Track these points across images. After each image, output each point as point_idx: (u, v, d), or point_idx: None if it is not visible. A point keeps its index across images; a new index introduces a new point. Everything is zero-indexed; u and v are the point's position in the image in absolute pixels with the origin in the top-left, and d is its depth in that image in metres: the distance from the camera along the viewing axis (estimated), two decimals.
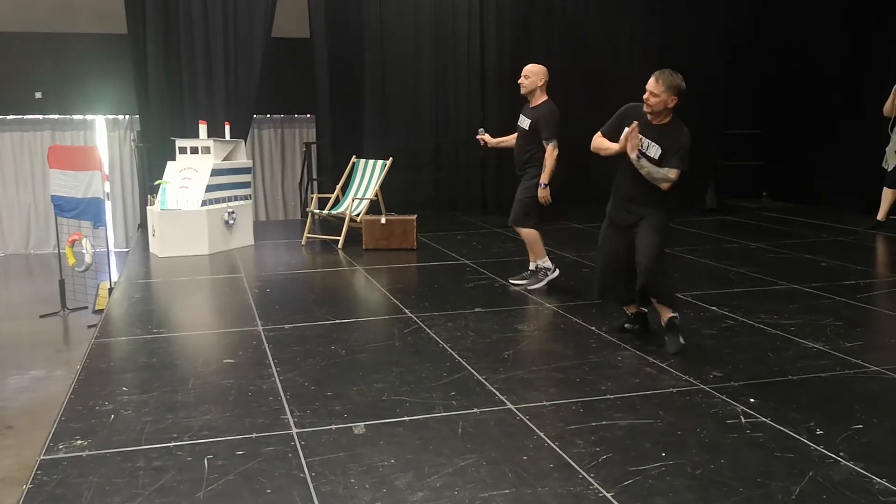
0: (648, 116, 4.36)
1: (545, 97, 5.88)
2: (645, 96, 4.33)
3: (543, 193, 5.75)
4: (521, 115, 5.99)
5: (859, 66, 9.79)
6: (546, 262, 6.08)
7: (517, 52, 10.06)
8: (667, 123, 4.38)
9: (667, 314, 4.50)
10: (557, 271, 6.10)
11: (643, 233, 4.41)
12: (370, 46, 10.09)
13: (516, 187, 6.03)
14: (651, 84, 4.30)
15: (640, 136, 4.31)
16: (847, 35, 10.00)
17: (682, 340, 4.45)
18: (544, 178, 5.72)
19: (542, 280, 6.06)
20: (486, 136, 6.34)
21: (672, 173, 4.30)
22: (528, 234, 6.02)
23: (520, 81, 5.96)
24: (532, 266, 6.15)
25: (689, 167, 4.32)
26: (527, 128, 5.87)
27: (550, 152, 5.70)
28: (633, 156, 4.30)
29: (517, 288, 6.09)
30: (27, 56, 11.32)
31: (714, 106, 10.76)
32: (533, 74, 5.92)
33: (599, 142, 4.56)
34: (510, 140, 6.16)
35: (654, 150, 4.34)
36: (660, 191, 4.37)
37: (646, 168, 4.31)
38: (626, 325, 4.86)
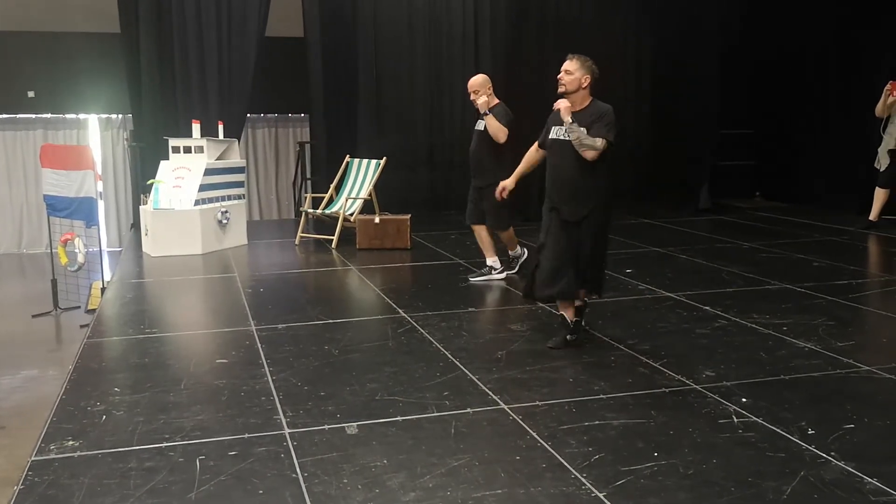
0: (567, 101, 4.36)
1: (496, 100, 6.02)
2: (559, 76, 4.37)
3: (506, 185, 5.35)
4: (478, 120, 6.11)
5: (852, 67, 9.81)
6: (518, 251, 6.47)
7: (511, 51, 10.08)
8: (586, 107, 4.37)
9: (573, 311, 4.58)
10: (526, 252, 6.40)
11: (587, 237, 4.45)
12: (364, 46, 10.08)
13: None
14: (566, 64, 4.36)
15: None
16: (839, 35, 10.03)
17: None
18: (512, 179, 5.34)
19: (514, 268, 6.44)
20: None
21: (599, 142, 4.24)
22: (508, 234, 6.34)
23: (472, 99, 6.07)
24: (491, 262, 6.37)
25: (614, 140, 4.29)
26: (482, 129, 5.99)
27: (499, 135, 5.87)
28: (567, 119, 4.28)
29: (476, 281, 6.34)
30: (20, 55, 11.29)
31: (707, 106, 10.78)
32: (479, 86, 6.02)
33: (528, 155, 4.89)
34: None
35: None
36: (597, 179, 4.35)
37: (576, 133, 4.26)
38: (568, 338, 4.60)
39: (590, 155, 4.26)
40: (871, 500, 2.79)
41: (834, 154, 10.07)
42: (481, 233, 6.36)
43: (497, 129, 5.87)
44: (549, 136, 4.52)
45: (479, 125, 6.07)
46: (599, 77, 4.43)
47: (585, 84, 4.34)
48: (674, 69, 10.81)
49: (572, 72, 4.33)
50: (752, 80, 11.09)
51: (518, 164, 5.13)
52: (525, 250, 6.46)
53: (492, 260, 6.38)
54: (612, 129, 4.30)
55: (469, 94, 6.12)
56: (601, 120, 4.29)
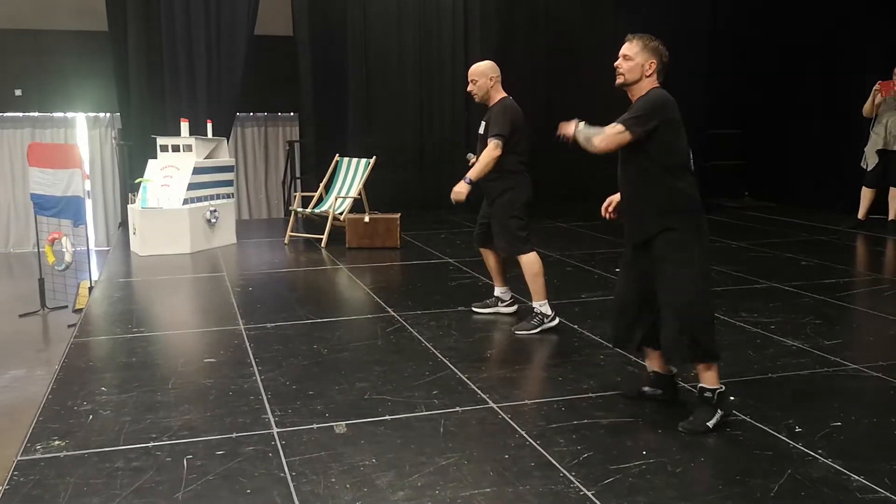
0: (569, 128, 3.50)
1: (501, 94, 4.94)
2: (616, 63, 3.48)
3: (461, 189, 4.68)
4: (482, 122, 5.02)
5: (840, 66, 9.86)
6: (545, 308, 4.88)
7: (502, 50, 10.07)
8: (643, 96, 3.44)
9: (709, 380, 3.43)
10: (557, 320, 4.94)
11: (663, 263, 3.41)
12: (354, 44, 10.06)
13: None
14: (625, 47, 3.47)
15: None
16: (828, 35, 10.07)
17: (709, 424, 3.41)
18: (472, 174, 4.71)
19: (536, 327, 4.86)
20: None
21: (609, 127, 3.35)
22: (529, 260, 4.86)
23: (469, 89, 5.02)
24: (500, 292, 5.27)
25: (640, 129, 3.32)
26: (482, 132, 4.91)
27: (492, 150, 4.68)
28: (569, 130, 3.47)
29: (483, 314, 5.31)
30: (7, 53, 11.21)
31: (696, 105, 10.81)
32: (480, 76, 4.93)
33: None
34: None
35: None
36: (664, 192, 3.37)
37: (581, 133, 3.42)
38: (646, 390, 3.75)
39: (597, 142, 3.34)
40: (858, 498, 2.81)
41: (822, 154, 10.12)
42: (489, 258, 5.21)
43: (488, 155, 4.69)
44: None
45: (481, 128, 4.97)
46: (669, 62, 3.51)
47: (651, 71, 3.43)
48: (662, 67, 10.82)
49: (632, 57, 3.42)
50: (741, 80, 11.13)
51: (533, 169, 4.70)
52: (557, 319, 4.93)
53: (501, 290, 5.26)
54: (639, 117, 3.32)
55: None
56: (632, 112, 3.37)
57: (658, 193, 3.40)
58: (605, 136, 3.34)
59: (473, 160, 4.95)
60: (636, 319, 3.56)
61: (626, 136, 3.33)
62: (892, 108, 8.47)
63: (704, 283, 3.44)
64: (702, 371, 3.41)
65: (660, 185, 3.39)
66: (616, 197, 3.71)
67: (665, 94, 3.43)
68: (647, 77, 3.44)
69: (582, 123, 3.45)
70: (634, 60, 3.43)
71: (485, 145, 4.79)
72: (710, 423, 3.36)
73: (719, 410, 3.39)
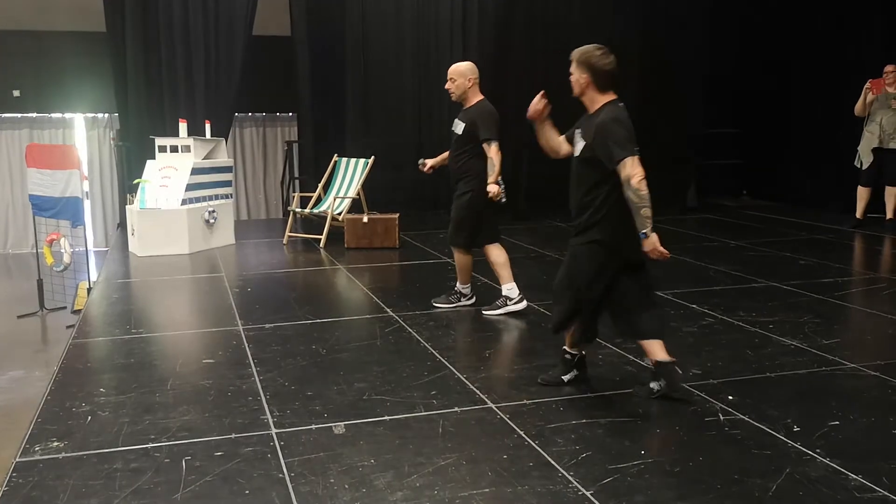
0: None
1: (480, 96, 5.19)
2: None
3: (495, 190, 4.95)
4: (455, 121, 5.30)
5: (838, 66, 9.86)
6: (467, 288, 5.51)
7: (500, 49, 10.09)
8: (596, 112, 3.63)
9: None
10: (474, 298, 5.52)
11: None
12: (352, 44, 10.06)
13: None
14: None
15: (578, 128, 3.72)
16: (825, 34, 10.08)
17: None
18: (493, 177, 4.96)
19: (453, 304, 5.49)
20: (426, 162, 5.68)
21: (628, 169, 3.46)
22: (462, 256, 5.40)
23: (447, 87, 5.22)
24: (462, 288, 5.53)
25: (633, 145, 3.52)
26: (460, 132, 5.14)
27: (495, 153, 4.98)
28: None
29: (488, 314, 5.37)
30: (5, 54, 11.20)
31: (694, 105, 10.84)
32: (459, 75, 5.15)
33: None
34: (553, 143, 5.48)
35: (578, 147, 3.69)
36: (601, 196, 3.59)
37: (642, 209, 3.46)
38: (565, 378, 3.98)
39: (644, 188, 3.44)
40: (856, 497, 2.81)
41: (820, 153, 10.13)
42: (490, 254, 5.35)
43: (496, 157, 4.98)
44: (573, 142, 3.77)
45: (455, 125, 5.24)
46: (611, 69, 3.60)
47: (585, 83, 3.60)
48: (661, 67, 10.84)
49: (572, 72, 3.64)
50: (739, 79, 11.14)
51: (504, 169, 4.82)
52: (474, 297, 5.51)
53: (508, 287, 5.33)
54: (628, 139, 3.49)
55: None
56: (605, 135, 3.50)
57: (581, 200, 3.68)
58: (638, 176, 3.44)
59: (428, 167, 5.61)
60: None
61: (637, 158, 3.48)
62: (884, 105, 8.48)
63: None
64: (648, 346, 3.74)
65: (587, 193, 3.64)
66: None
67: (623, 112, 3.60)
68: (589, 89, 3.62)
69: (644, 226, 3.44)
70: (574, 76, 3.65)
71: (460, 143, 5.13)
72: (655, 386, 3.72)
73: (663, 379, 3.70)
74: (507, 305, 5.29)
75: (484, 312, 5.32)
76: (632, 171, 3.43)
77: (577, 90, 3.65)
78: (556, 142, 3.87)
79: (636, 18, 10.92)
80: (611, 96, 3.63)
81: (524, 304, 5.31)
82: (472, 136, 5.08)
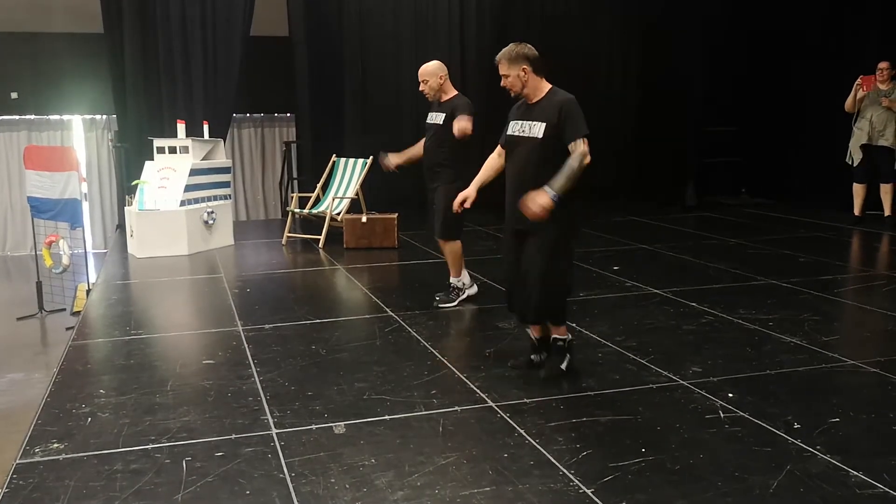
0: (523, 99, 3.95)
1: (453, 91, 5.43)
2: (502, 84, 3.95)
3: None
4: (430, 114, 5.47)
5: (837, 64, 9.86)
6: (464, 278, 5.58)
7: (498, 48, 10.03)
8: (542, 99, 3.89)
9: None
10: (475, 287, 5.66)
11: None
12: (350, 45, 10.06)
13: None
14: (500, 69, 3.92)
15: (521, 121, 3.92)
16: (824, 33, 10.08)
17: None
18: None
19: (454, 300, 5.54)
20: (390, 158, 5.76)
21: (577, 146, 3.71)
22: (453, 247, 5.46)
23: (420, 89, 5.44)
24: (455, 282, 5.60)
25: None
26: (441, 122, 5.27)
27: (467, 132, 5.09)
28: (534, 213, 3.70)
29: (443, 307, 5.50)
30: (2, 55, 11.20)
31: (693, 103, 10.83)
32: (430, 76, 5.39)
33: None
34: (417, 149, 5.61)
35: (538, 129, 3.84)
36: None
37: (564, 180, 3.68)
38: (533, 357, 4.18)
39: (585, 163, 3.69)
40: (857, 493, 2.81)
41: (819, 151, 10.12)
42: (453, 246, 5.49)
43: (463, 127, 5.07)
44: (507, 133, 4.02)
45: (432, 118, 5.38)
46: (544, 55, 3.90)
47: (527, 76, 3.87)
48: (660, 66, 10.84)
49: (507, 73, 3.89)
50: (738, 78, 11.14)
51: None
52: (475, 287, 5.67)
53: (456, 279, 5.53)
54: (581, 120, 3.76)
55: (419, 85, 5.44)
56: (568, 113, 3.76)
57: (550, 177, 3.69)
58: (584, 153, 3.69)
59: (394, 165, 5.78)
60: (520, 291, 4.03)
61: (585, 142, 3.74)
62: (874, 102, 8.48)
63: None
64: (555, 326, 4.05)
65: (554, 170, 3.70)
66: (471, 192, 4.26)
67: (571, 97, 3.85)
68: (532, 79, 3.88)
69: (551, 185, 3.63)
70: (510, 75, 3.90)
71: (441, 133, 5.24)
72: (563, 366, 4.04)
73: (568, 355, 4.06)
74: (459, 296, 5.54)
75: (440, 305, 5.48)
76: (585, 148, 3.71)
77: (519, 85, 3.90)
78: (494, 168, 4.18)
79: (635, 16, 10.92)
80: (547, 82, 3.93)
81: (475, 289, 5.64)
82: (452, 126, 5.19)
